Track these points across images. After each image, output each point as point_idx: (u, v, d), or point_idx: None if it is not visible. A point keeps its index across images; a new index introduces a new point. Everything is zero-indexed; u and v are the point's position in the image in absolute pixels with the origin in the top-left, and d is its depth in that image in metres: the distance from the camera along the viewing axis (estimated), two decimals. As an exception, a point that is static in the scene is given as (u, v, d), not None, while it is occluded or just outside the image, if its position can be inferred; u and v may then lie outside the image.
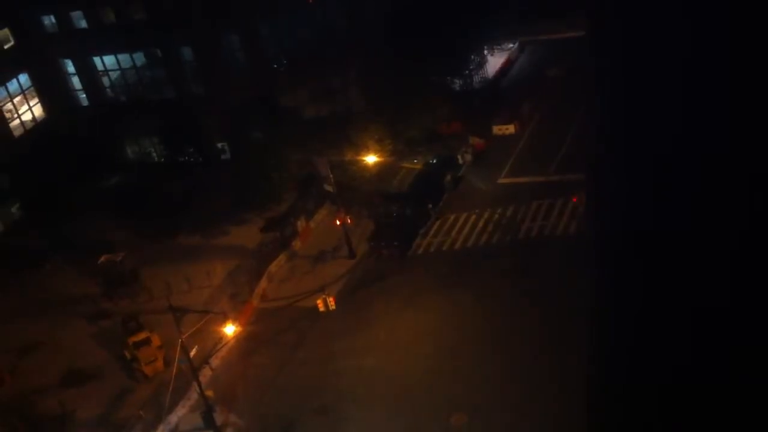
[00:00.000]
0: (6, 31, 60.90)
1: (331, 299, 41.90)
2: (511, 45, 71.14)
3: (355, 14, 66.36)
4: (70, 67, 63.86)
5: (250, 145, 56.53)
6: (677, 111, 8.93)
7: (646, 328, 9.39)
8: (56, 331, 46.66)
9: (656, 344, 9.30)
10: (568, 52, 59.27)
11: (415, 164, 56.78)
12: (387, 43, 59.71)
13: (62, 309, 48.46)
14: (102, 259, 49.36)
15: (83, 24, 61.22)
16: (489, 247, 47.58)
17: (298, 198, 54.43)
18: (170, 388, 36.83)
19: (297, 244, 51.23)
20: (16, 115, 61.06)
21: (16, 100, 61.32)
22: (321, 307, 41.78)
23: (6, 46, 60.82)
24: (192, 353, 36.62)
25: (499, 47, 70.09)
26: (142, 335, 42.21)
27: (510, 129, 59.27)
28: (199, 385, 37.24)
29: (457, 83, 64.59)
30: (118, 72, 62.74)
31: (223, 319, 40.16)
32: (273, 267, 49.13)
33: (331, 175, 48.98)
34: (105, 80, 63.49)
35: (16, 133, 60.70)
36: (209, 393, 38.64)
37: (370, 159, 51.86)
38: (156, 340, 42.17)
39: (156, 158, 64.40)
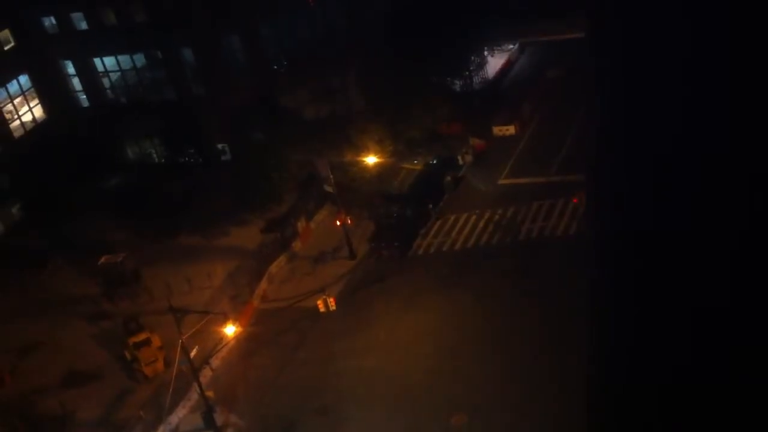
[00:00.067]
0: (6, 32, 60.91)
1: (331, 300, 41.92)
2: (512, 46, 71.16)
3: (355, 14, 66.36)
4: (71, 68, 63.87)
5: (251, 145, 56.52)
6: (677, 111, 8.93)
7: (646, 328, 9.39)
8: (56, 332, 46.66)
9: (656, 344, 9.30)
10: (568, 53, 59.26)
11: (416, 165, 56.81)
12: (387, 43, 59.72)
13: (62, 309, 48.47)
14: (102, 259, 49.37)
15: (83, 25, 61.26)
16: (489, 248, 47.58)
17: (298, 199, 54.44)
18: (170, 389, 36.82)
19: (297, 244, 51.23)
20: (16, 116, 61.07)
21: (17, 101, 61.34)
22: (321, 308, 41.80)
23: (6, 47, 60.83)
24: (192, 354, 36.61)
25: (499, 48, 70.13)
26: (143, 336, 42.22)
27: (510, 130, 59.27)
28: (200, 386, 37.23)
29: (458, 84, 64.60)
30: (119, 73, 62.74)
31: (224, 319, 40.14)
32: (273, 268, 49.13)
33: (331, 176, 49.00)
34: (105, 81, 63.49)
35: (17, 134, 60.74)
36: (210, 393, 38.63)
37: (371, 160, 51.86)
38: (156, 341, 42.18)
39: (156, 159, 64.43)
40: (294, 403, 38.95)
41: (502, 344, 39.10)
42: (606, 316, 9.98)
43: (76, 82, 64.29)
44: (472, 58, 64.76)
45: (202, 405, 38.01)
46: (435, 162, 56.28)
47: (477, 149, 57.40)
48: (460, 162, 56.59)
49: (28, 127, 61.59)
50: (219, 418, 37.99)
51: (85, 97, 64.60)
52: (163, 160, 63.58)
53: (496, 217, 50.28)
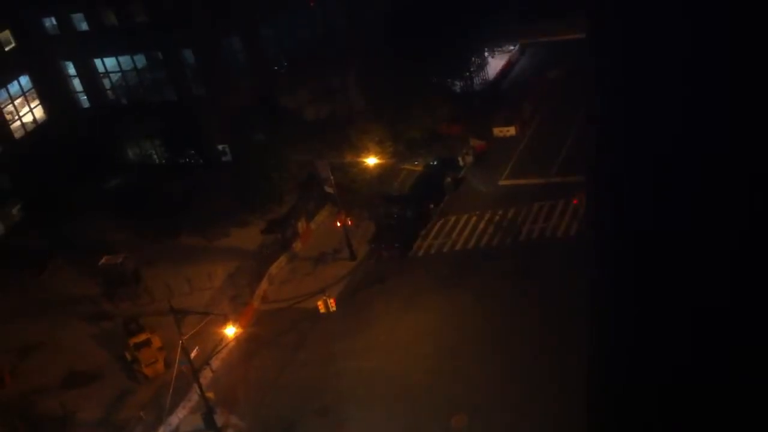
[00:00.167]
0: (7, 32, 60.94)
1: (331, 300, 41.94)
2: (512, 47, 71.19)
3: (355, 14, 66.38)
4: (71, 69, 63.91)
5: (251, 146, 56.52)
6: (677, 111, 8.93)
7: (646, 328, 9.39)
8: (57, 332, 46.67)
9: (656, 344, 9.30)
10: (568, 54, 59.30)
11: (416, 166, 56.82)
12: (387, 43, 59.72)
13: (63, 309, 48.49)
14: (103, 260, 49.37)
15: (84, 26, 61.27)
16: (489, 249, 47.59)
17: (298, 199, 54.44)
18: (171, 390, 36.79)
19: (298, 245, 51.23)
20: (17, 117, 61.09)
21: (17, 101, 61.35)
22: (322, 309, 41.82)
23: (7, 48, 60.85)
24: (193, 355, 36.62)
25: (499, 49, 70.15)
26: (143, 336, 42.22)
27: (511, 131, 59.30)
28: (200, 387, 37.22)
29: (458, 85, 64.62)
30: (119, 74, 62.78)
31: (224, 320, 40.14)
32: (274, 268, 49.13)
33: (331, 177, 49.01)
34: (106, 82, 63.52)
35: (17, 134, 60.75)
36: (210, 394, 38.63)
37: (371, 161, 51.88)
38: (157, 342, 42.18)
39: (157, 160, 64.45)
40: (294, 403, 38.95)
41: (502, 344, 39.11)
42: (606, 316, 9.98)
43: (77, 83, 64.33)
44: (473, 58, 64.76)
45: (203, 406, 37.98)
46: (435, 163, 56.28)
47: (477, 150, 57.41)
48: (461, 163, 56.60)
49: (29, 127, 61.61)
50: (219, 419, 37.97)
51: (85, 97, 64.63)
52: (163, 161, 63.61)
53: (497, 218, 50.29)
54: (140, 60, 61.48)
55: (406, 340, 41.51)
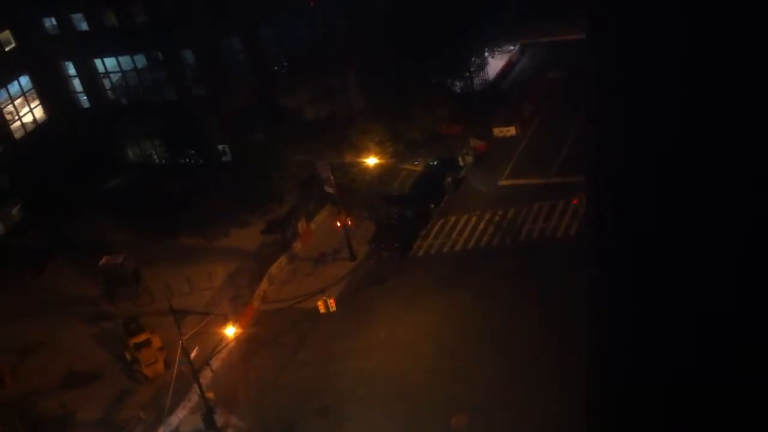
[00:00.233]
0: (7, 32, 60.96)
1: (331, 301, 41.93)
2: (512, 47, 71.18)
3: (355, 14, 66.37)
4: (71, 69, 63.91)
5: (251, 146, 56.52)
6: (677, 111, 8.93)
7: (646, 328, 9.38)
8: (57, 332, 46.67)
9: (656, 344, 9.29)
10: (569, 54, 59.30)
11: (416, 166, 56.80)
12: (387, 43, 59.72)
13: (62, 309, 48.49)
14: (103, 260, 49.37)
15: (84, 26, 61.28)
16: (489, 249, 47.59)
17: (298, 199, 54.43)
18: (171, 390, 36.81)
19: (298, 245, 51.22)
20: (17, 117, 61.10)
21: (17, 102, 61.36)
22: (322, 309, 41.81)
23: (7, 48, 60.87)
24: (193, 355, 36.62)
25: (499, 49, 70.14)
26: (143, 337, 42.22)
27: (511, 131, 59.29)
28: (200, 387, 37.22)
29: (458, 85, 64.62)
30: (119, 74, 62.79)
31: (224, 320, 40.14)
32: (274, 269, 49.12)
33: (331, 177, 49.00)
34: (106, 82, 63.53)
35: (17, 134, 60.76)
36: (210, 395, 38.63)
37: (371, 161, 51.86)
38: (157, 342, 42.18)
39: (157, 160, 64.45)
40: (294, 404, 38.95)
41: (502, 344, 39.11)
42: (606, 316, 9.97)
43: (77, 83, 64.33)
44: (473, 58, 64.76)
45: (203, 406, 38.00)
46: (435, 163, 56.26)
47: (477, 150, 57.40)
48: (461, 163, 56.59)
49: (29, 127, 61.61)
50: (219, 419, 37.99)
51: (85, 97, 64.62)
52: (163, 161, 63.60)
53: (497, 218, 50.29)
54: (140, 60, 61.48)
55: (406, 340, 41.51)
